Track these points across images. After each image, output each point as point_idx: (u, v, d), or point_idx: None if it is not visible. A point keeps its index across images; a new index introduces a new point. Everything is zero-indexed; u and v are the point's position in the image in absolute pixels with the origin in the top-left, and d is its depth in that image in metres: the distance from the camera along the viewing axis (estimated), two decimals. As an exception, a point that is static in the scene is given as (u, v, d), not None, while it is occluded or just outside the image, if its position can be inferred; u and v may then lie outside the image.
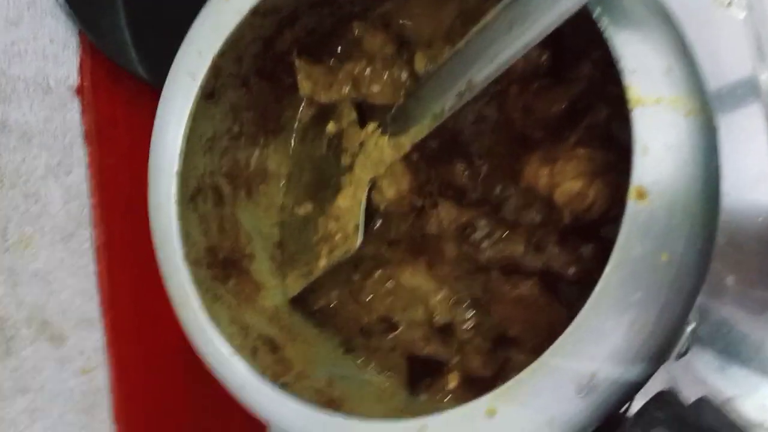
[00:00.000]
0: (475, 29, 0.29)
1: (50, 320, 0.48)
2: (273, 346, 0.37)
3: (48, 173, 0.50)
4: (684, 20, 0.40)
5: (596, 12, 0.25)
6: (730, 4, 0.39)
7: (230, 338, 0.35)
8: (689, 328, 0.26)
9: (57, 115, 0.52)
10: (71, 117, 0.53)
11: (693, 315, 0.27)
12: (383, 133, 0.35)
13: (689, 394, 0.28)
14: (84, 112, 0.54)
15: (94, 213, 0.52)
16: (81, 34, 0.53)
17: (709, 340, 0.39)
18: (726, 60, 0.39)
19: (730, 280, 0.39)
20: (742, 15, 0.39)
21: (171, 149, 0.34)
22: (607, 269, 0.24)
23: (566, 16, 0.25)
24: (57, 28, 0.52)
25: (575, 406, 0.25)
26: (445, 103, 0.31)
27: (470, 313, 0.37)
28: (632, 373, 0.25)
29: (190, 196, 0.37)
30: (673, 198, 0.24)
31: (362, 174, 0.36)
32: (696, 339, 0.40)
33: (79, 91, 0.54)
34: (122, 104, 0.54)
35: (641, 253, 0.24)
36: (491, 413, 0.27)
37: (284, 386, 0.33)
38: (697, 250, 0.24)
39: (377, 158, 0.35)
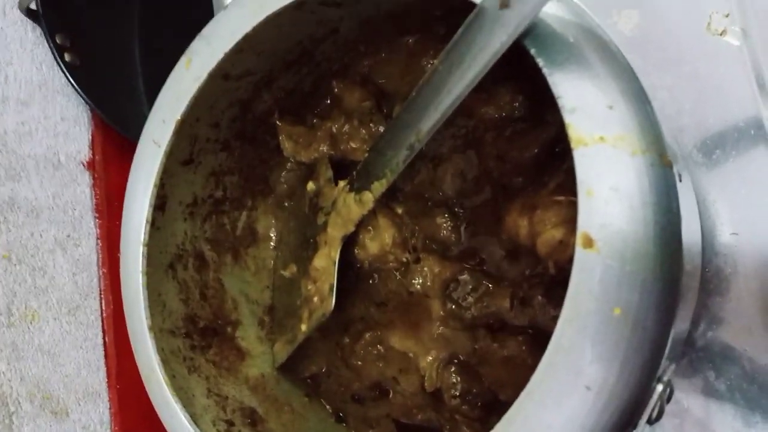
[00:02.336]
0: (421, 80, 0.28)
1: (54, 394, 0.48)
2: (253, 419, 0.36)
3: (56, 246, 0.51)
4: (678, 51, 0.38)
5: (532, 51, 0.24)
6: (724, 32, 0.37)
7: (204, 411, 0.34)
8: (659, 388, 0.23)
9: (67, 189, 0.53)
10: (81, 191, 0.54)
11: (669, 372, 0.24)
12: (350, 190, 0.34)
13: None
14: (95, 185, 0.55)
15: (102, 283, 0.53)
16: (92, 110, 0.55)
17: (728, 394, 0.36)
18: (727, 96, 0.37)
19: (752, 326, 0.36)
20: (737, 42, 0.37)
21: (138, 218, 0.34)
22: (558, 327, 0.22)
23: (499, 54, 0.24)
24: (68, 105, 0.54)
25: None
26: (399, 156, 0.30)
27: (458, 378, 0.34)
28: (595, 443, 0.22)
29: (168, 264, 0.37)
30: (624, 245, 0.21)
31: (334, 232, 0.35)
32: (713, 394, 0.36)
33: (90, 165, 0.55)
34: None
35: (593, 307, 0.22)
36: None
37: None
38: (654, 302, 0.21)
39: (346, 215, 0.34)
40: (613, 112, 0.22)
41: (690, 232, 0.24)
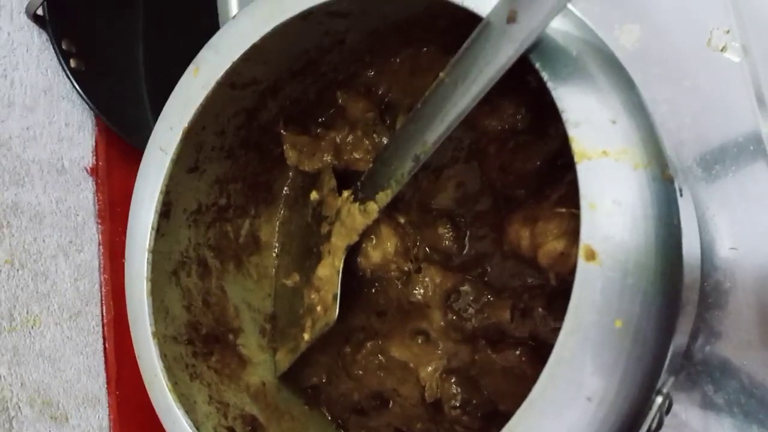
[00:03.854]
0: (427, 92, 0.28)
1: (54, 399, 0.48)
2: (254, 426, 0.36)
3: (59, 252, 0.51)
4: (679, 66, 0.39)
5: (537, 65, 0.24)
6: (724, 48, 0.37)
7: (206, 418, 0.34)
8: (659, 400, 0.23)
9: (70, 195, 0.53)
10: (84, 196, 0.54)
11: (669, 385, 0.24)
12: (354, 200, 0.34)
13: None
14: (98, 191, 0.55)
15: (104, 289, 0.53)
16: (96, 116, 0.55)
17: (727, 408, 0.36)
18: (727, 112, 0.37)
19: (751, 340, 0.36)
20: (737, 59, 0.37)
21: (144, 224, 0.34)
22: (560, 338, 0.22)
23: (505, 69, 0.24)
24: (72, 111, 0.54)
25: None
26: (404, 167, 0.30)
27: (458, 389, 0.35)
28: (595, 453, 0.22)
29: (171, 271, 0.37)
30: (626, 257, 0.22)
31: (338, 242, 0.35)
32: (712, 407, 0.37)
33: (94, 171, 0.55)
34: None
35: (594, 319, 0.22)
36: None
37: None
38: (655, 315, 0.22)
39: (350, 225, 0.34)
40: (616, 126, 0.23)
41: (690, 246, 0.25)
